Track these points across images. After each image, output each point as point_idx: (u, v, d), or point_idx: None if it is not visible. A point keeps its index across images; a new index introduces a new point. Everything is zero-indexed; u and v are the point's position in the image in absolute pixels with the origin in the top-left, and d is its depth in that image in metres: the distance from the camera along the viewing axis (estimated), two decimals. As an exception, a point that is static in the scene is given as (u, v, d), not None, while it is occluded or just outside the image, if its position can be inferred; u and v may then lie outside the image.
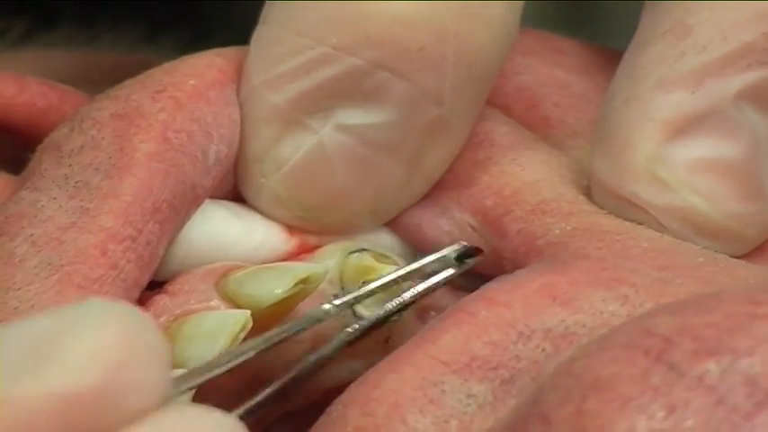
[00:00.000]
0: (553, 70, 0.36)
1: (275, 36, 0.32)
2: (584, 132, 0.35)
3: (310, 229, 0.33)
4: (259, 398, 0.33)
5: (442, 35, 0.31)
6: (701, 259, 0.31)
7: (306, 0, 0.31)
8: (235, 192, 0.34)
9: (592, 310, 0.29)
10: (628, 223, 0.32)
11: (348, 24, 0.31)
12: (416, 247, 0.34)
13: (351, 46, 0.31)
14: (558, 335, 0.29)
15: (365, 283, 0.33)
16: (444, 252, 0.33)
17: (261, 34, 0.32)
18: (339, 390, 0.30)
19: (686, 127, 0.31)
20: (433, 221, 0.34)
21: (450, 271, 0.33)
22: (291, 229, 0.33)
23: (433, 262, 0.33)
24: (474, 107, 0.33)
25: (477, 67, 0.32)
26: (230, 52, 0.33)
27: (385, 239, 0.34)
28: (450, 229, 0.33)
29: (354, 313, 0.33)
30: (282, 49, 0.31)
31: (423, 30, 0.31)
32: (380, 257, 0.33)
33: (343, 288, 0.33)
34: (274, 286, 0.31)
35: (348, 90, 0.31)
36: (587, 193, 0.33)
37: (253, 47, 0.32)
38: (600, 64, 0.36)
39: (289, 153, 0.32)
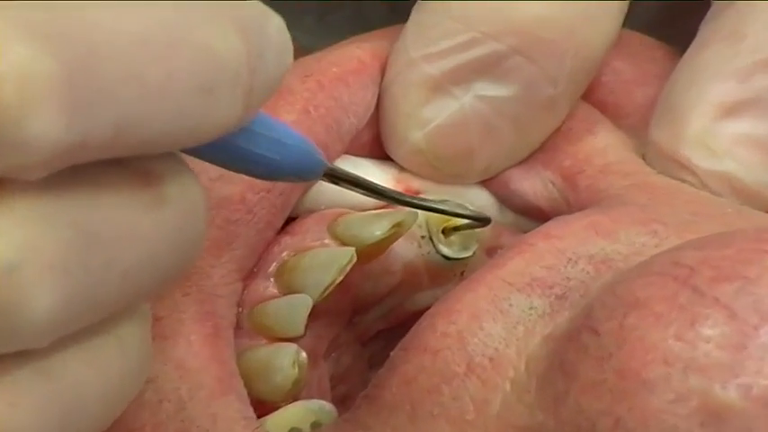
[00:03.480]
0: (611, 60, 0.36)
1: (434, 21, 0.33)
2: (634, 113, 0.36)
3: (434, 177, 0.34)
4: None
5: (569, 31, 0.32)
6: (729, 210, 0.32)
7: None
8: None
9: (627, 241, 0.29)
10: (674, 182, 0.33)
11: (496, 16, 0.32)
12: (501, 197, 0.35)
13: (497, 33, 0.32)
14: (599, 260, 0.29)
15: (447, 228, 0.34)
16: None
17: (420, 19, 0.33)
18: (425, 311, 0.30)
19: (734, 109, 0.32)
20: (521, 176, 0.35)
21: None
22: (399, 177, 0.35)
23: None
24: (578, 92, 0.34)
25: (589, 60, 0.33)
26: (367, 44, 0.35)
27: (475, 191, 0.35)
28: (533, 182, 0.35)
29: (437, 250, 0.34)
30: (440, 31, 0.32)
31: (555, 25, 0.32)
32: (459, 207, 0.34)
33: (428, 231, 0.34)
34: (375, 229, 0.32)
35: (489, 68, 0.32)
36: (643, 158, 0.34)
37: (411, 28, 0.34)
38: (646, 53, 0.37)
39: (434, 114, 0.33)
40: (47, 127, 0.20)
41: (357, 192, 0.31)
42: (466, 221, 0.34)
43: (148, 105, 0.22)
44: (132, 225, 0.23)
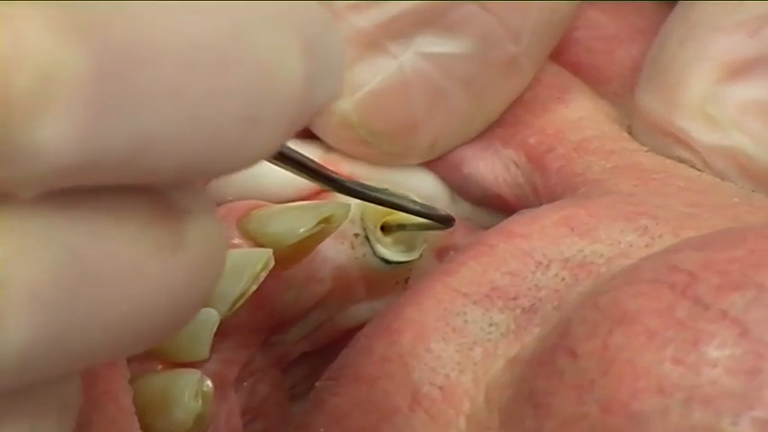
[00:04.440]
0: (587, 10, 0.37)
1: None
2: (616, 76, 0.37)
3: (368, 157, 0.34)
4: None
5: None
6: (735, 199, 0.32)
7: None
8: None
9: (610, 240, 0.30)
10: (668, 161, 0.33)
11: None
12: (453, 183, 0.35)
13: None
14: (576, 264, 0.29)
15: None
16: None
17: None
18: (359, 329, 0.31)
19: (742, 69, 0.32)
20: (476, 156, 0.35)
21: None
22: (324, 159, 0.34)
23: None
24: (544, 52, 0.34)
25: (558, 11, 0.33)
26: None
27: (421, 177, 0.35)
28: (492, 164, 0.35)
29: (374, 252, 0.34)
30: None
31: None
32: (401, 198, 0.33)
33: (364, 228, 0.34)
34: (298, 225, 0.32)
35: (434, 18, 0.32)
36: (629, 132, 0.34)
37: None
38: (634, 4, 0.38)
39: (366, 77, 0.33)
40: (58, 136, 0.19)
41: (303, 176, 0.30)
42: (418, 221, 0.33)
43: (179, 127, 0.21)
44: (137, 266, 0.23)
